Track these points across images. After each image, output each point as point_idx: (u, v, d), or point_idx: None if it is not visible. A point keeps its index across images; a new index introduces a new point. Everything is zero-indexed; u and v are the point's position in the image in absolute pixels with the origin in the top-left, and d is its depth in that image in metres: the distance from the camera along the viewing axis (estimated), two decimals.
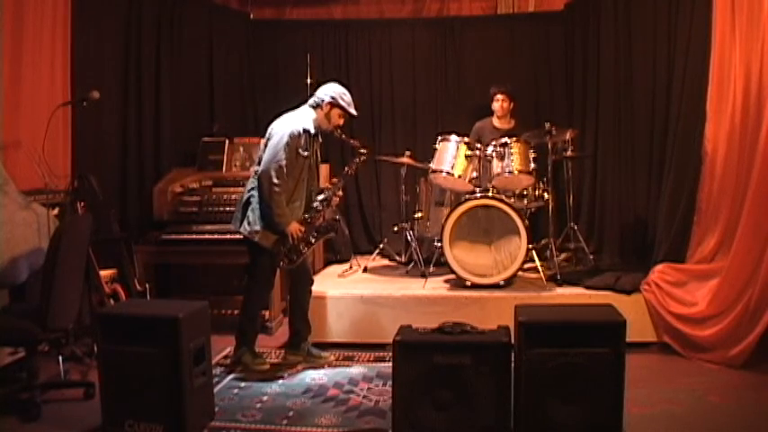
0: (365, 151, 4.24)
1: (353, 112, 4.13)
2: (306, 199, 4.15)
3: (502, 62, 6.28)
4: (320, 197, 4.19)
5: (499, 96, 5.57)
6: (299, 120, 4.03)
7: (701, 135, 4.25)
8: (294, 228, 4.00)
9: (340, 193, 4.24)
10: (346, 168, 4.27)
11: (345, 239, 6.05)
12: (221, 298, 4.98)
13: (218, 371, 4.05)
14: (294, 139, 3.94)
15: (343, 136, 4.20)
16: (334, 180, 4.23)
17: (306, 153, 4.02)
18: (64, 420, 3.44)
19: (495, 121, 5.64)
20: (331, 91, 4.08)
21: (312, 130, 4.05)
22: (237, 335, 4.19)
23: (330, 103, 4.06)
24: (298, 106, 4.19)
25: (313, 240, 4.12)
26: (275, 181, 3.89)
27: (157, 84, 5.43)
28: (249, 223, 4.01)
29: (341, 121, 4.13)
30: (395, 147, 6.18)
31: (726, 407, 3.47)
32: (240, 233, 4.09)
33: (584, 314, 3.24)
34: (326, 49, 6.51)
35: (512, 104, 5.61)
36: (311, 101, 4.12)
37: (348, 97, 4.11)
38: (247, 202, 4.06)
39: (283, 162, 3.91)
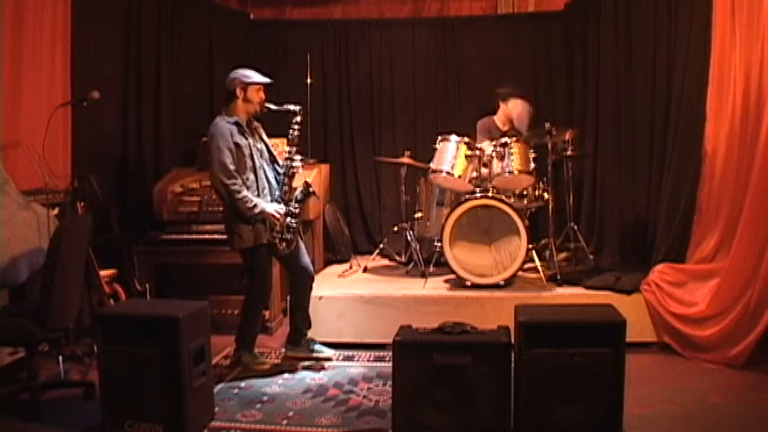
0: (299, 109, 4.17)
1: (265, 79, 4.09)
2: (273, 181, 4.16)
3: (502, 62, 6.29)
4: (281, 171, 4.18)
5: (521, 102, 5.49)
6: (223, 119, 4.01)
7: (700, 135, 4.25)
8: (272, 209, 4.00)
9: (298, 157, 4.19)
10: (292, 133, 4.19)
11: (345, 239, 6.05)
12: (221, 298, 4.98)
13: (218, 371, 4.04)
14: (226, 137, 3.92)
15: (272, 107, 4.12)
16: (286, 149, 4.21)
17: (246, 141, 4.00)
18: (64, 420, 3.43)
19: (500, 123, 5.58)
20: (232, 79, 4.04)
21: (242, 120, 4.03)
22: (237, 336, 4.19)
23: (241, 86, 4.02)
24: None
25: (297, 211, 4.12)
26: (227, 182, 3.88)
27: (157, 84, 5.43)
28: (237, 235, 4.00)
29: (262, 96, 4.10)
30: (395, 147, 6.19)
31: (726, 407, 3.47)
32: (235, 248, 4.08)
33: (585, 314, 3.24)
34: (326, 49, 6.52)
35: None
36: (224, 99, 4.09)
37: (251, 71, 4.08)
38: (227, 216, 4.06)
39: (227, 161, 3.89)
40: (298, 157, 4.19)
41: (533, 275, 4.85)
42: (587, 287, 4.57)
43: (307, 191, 4.21)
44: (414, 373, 3.01)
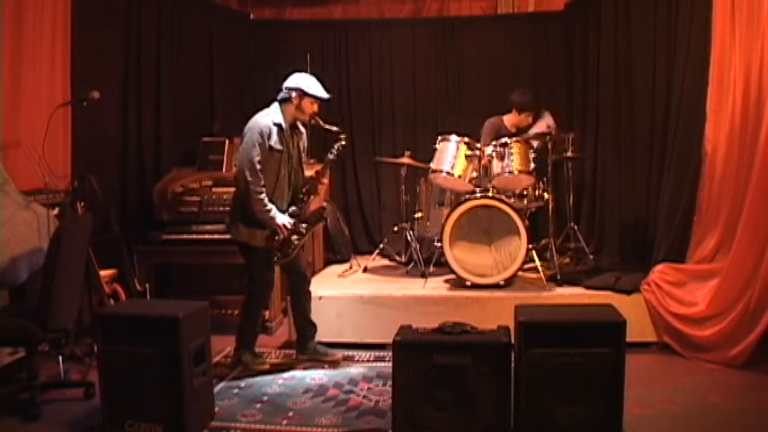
0: (344, 135, 4.20)
1: (324, 95, 4.07)
2: (291, 192, 4.14)
3: (502, 62, 6.29)
4: (305, 188, 4.17)
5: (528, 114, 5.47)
6: (268, 115, 4.01)
7: (700, 135, 4.25)
8: (282, 221, 3.99)
9: (325, 180, 4.21)
10: (328, 155, 4.21)
11: (345, 239, 6.05)
12: (221, 298, 4.98)
13: (218, 371, 4.04)
14: (264, 136, 3.92)
15: (320, 122, 4.12)
16: (318, 168, 4.21)
17: (280, 147, 3.99)
18: (64, 420, 3.43)
19: (508, 125, 5.51)
20: (295, 82, 4.03)
21: (284, 124, 4.02)
22: (238, 335, 4.19)
23: (298, 95, 4.02)
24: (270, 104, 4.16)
25: (304, 231, 4.11)
26: (249, 179, 3.89)
27: (157, 84, 5.43)
28: (236, 226, 4.03)
29: (315, 108, 4.08)
30: (395, 147, 6.19)
31: (726, 407, 3.47)
32: (230, 236, 4.10)
33: (585, 314, 3.24)
34: (326, 49, 6.52)
35: None
36: (279, 96, 4.07)
37: (315, 83, 4.05)
38: (233, 205, 4.08)
39: (255, 159, 3.89)
40: (325, 180, 4.19)
41: (533, 275, 4.85)
42: (587, 287, 4.57)
43: (320, 216, 4.19)
44: (414, 373, 3.01)
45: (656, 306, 4.29)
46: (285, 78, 4.11)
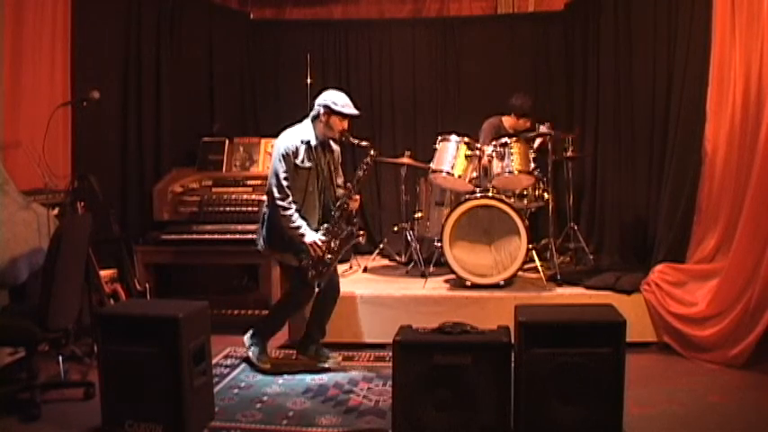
0: (373, 153, 4.15)
1: (352, 112, 4.03)
2: (322, 209, 4.09)
3: (502, 62, 6.29)
4: (336, 205, 4.09)
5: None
6: (298, 132, 3.99)
7: (700, 135, 4.25)
8: (312, 238, 3.93)
9: (356, 197, 4.12)
10: (358, 172, 4.15)
11: None
12: (221, 298, 4.99)
13: (218, 371, 4.05)
14: (289, 153, 3.90)
15: (351, 139, 4.07)
16: (348, 186, 4.17)
17: (308, 165, 3.95)
18: (64, 420, 3.43)
19: (507, 126, 5.52)
20: (323, 100, 4.00)
21: (314, 141, 3.99)
22: (258, 325, 4.21)
23: (326, 112, 3.98)
24: (299, 112, 4.13)
25: (336, 248, 4.01)
26: (278, 195, 3.88)
27: (157, 84, 5.43)
28: (264, 240, 4.05)
29: (344, 126, 4.04)
30: (395, 147, 6.19)
31: (726, 407, 3.47)
32: (260, 251, 4.12)
33: (585, 314, 3.24)
34: (326, 49, 6.51)
35: None
36: (311, 113, 4.05)
37: (343, 100, 4.01)
38: (263, 220, 4.07)
39: (282, 176, 3.88)
40: (357, 197, 4.13)
41: (533, 275, 4.85)
42: (587, 287, 4.57)
43: (353, 234, 4.07)
44: (414, 373, 3.01)
45: (656, 306, 4.29)
46: (319, 88, 4.06)
